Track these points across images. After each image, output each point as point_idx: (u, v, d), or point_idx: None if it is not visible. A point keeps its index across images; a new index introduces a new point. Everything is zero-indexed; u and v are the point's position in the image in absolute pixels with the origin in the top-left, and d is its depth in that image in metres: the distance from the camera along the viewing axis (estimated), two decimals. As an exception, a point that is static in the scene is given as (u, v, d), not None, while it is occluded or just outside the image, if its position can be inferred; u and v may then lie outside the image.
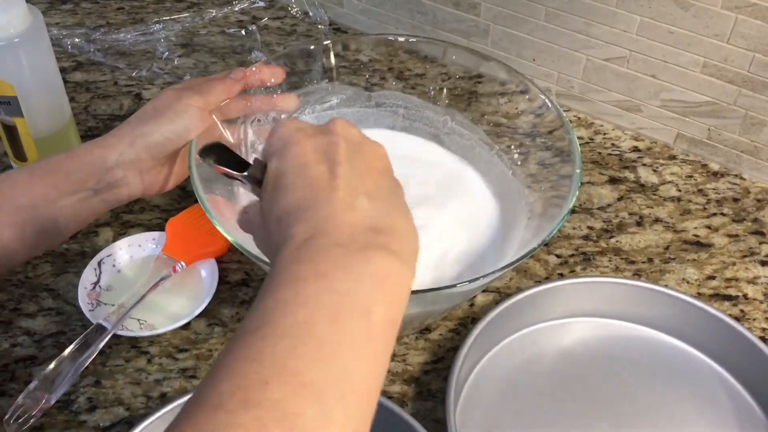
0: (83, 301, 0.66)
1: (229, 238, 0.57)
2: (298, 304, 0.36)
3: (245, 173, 0.47)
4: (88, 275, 0.69)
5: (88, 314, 0.65)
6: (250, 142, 0.69)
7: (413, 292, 0.54)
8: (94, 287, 0.69)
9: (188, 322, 0.66)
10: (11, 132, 0.70)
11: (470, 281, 0.55)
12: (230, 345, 0.36)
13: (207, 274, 0.69)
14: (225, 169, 0.48)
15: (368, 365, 0.36)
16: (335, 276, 0.37)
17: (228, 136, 0.66)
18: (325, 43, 0.73)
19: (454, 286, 0.55)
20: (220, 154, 0.49)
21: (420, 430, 0.56)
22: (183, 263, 0.68)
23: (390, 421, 0.58)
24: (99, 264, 0.70)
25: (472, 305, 0.70)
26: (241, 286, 0.71)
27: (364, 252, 0.38)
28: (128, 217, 0.76)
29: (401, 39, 0.76)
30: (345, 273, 0.37)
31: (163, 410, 0.57)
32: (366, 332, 0.36)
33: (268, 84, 0.69)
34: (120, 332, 0.64)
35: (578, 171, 0.62)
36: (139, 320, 0.67)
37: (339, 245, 0.38)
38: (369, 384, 0.36)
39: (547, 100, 0.68)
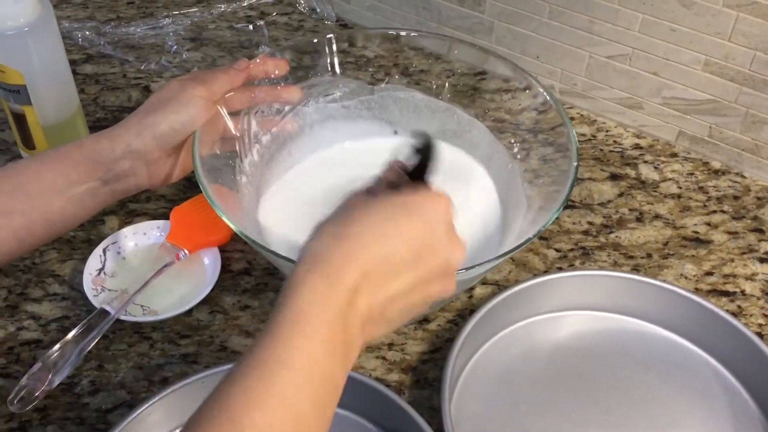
0: (88, 287, 0.68)
1: (232, 226, 0.58)
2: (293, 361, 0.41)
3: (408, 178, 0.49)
4: (93, 262, 0.70)
5: (92, 299, 0.67)
6: (253, 133, 0.70)
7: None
8: (98, 273, 0.70)
9: (190, 309, 0.68)
10: (20, 120, 0.71)
11: (466, 269, 0.56)
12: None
13: (210, 262, 0.71)
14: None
15: None
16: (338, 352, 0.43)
17: (231, 127, 0.67)
18: (328, 36, 0.74)
19: (449, 274, 0.56)
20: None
21: (416, 418, 0.57)
22: (186, 251, 0.69)
23: (388, 408, 0.59)
24: (104, 251, 0.71)
25: (470, 297, 0.71)
26: (243, 275, 0.72)
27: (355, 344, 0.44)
28: (134, 206, 0.77)
29: (403, 33, 0.76)
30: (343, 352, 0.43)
31: (164, 393, 0.58)
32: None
33: (272, 75, 0.70)
34: (123, 317, 0.65)
35: (575, 164, 0.63)
36: (142, 306, 0.68)
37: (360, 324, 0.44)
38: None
39: (546, 95, 0.69)
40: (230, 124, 0.67)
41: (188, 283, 0.69)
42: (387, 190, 0.49)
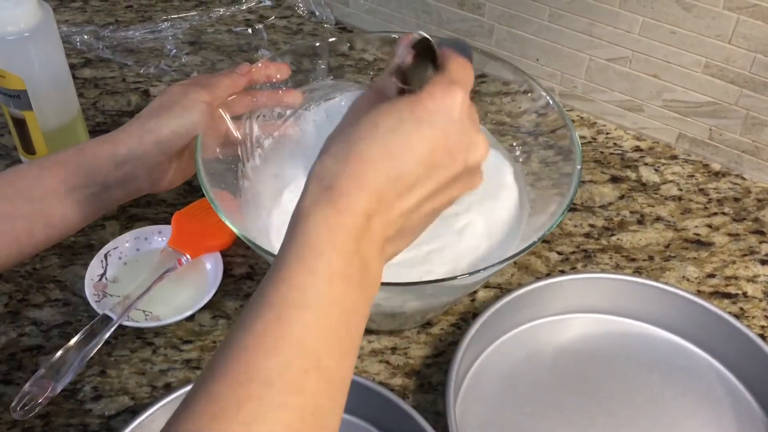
0: (90, 293, 0.67)
1: (235, 230, 0.58)
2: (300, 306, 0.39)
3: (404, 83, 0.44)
4: (94, 267, 0.70)
5: (94, 305, 0.66)
6: (255, 138, 0.70)
7: (415, 284, 0.55)
8: (100, 279, 0.70)
9: (193, 314, 0.67)
10: (21, 125, 0.71)
11: (470, 274, 0.56)
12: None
13: (212, 267, 0.70)
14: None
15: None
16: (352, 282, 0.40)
17: (234, 131, 0.67)
18: (330, 40, 0.74)
19: (454, 278, 0.56)
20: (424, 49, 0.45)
21: (421, 422, 0.57)
22: (188, 256, 0.69)
23: (392, 412, 0.59)
24: (105, 256, 0.71)
25: (473, 300, 0.71)
26: (246, 280, 0.71)
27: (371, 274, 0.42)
28: (135, 211, 0.77)
29: (406, 37, 0.76)
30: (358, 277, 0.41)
31: (167, 399, 0.58)
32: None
33: (274, 80, 0.70)
34: (125, 323, 0.65)
35: (578, 167, 0.63)
36: (144, 311, 0.67)
37: (367, 249, 0.41)
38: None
39: (549, 99, 0.69)
40: (233, 128, 0.67)
41: (190, 288, 0.69)
42: (397, 87, 0.45)
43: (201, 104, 0.62)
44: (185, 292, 0.69)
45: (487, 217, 0.66)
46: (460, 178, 0.44)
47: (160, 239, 0.72)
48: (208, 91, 0.63)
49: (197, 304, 0.67)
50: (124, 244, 0.72)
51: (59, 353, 0.61)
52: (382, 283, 0.55)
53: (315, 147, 0.73)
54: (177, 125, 0.62)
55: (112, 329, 0.63)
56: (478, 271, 0.55)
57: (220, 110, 0.65)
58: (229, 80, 0.65)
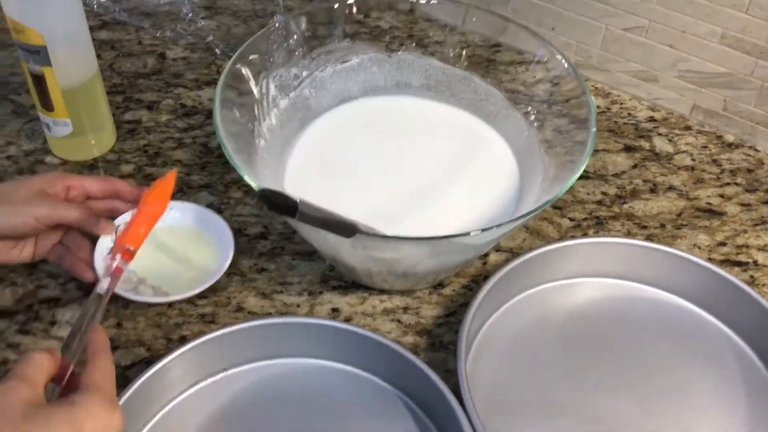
0: (98, 265, 0.66)
1: (253, 185, 0.58)
2: None
3: None
4: (104, 240, 0.68)
5: (102, 279, 0.65)
6: (271, 98, 0.71)
7: (429, 239, 0.56)
8: (109, 252, 0.69)
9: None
10: (39, 81, 0.72)
11: (482, 230, 0.56)
12: None
13: (222, 246, 0.67)
14: None
15: None
16: None
17: (253, 89, 0.68)
18: (348, 2, 0.74)
19: (467, 233, 0.56)
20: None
21: (432, 377, 0.58)
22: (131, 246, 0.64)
23: (403, 367, 0.60)
24: (116, 230, 0.69)
25: (484, 263, 0.71)
26: (259, 239, 0.72)
27: None
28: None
29: (423, 1, 0.76)
30: None
31: (182, 349, 0.59)
32: None
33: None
34: (133, 298, 0.63)
35: (594, 129, 0.63)
36: (153, 287, 0.67)
37: None
38: None
39: (565, 62, 0.69)
40: (251, 85, 0.68)
41: (199, 267, 0.67)
42: None
43: (30, 218, 0.62)
44: (192, 272, 0.66)
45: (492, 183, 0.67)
46: None
47: (173, 215, 0.70)
48: (49, 210, 0.62)
49: (204, 283, 0.64)
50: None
51: (67, 337, 0.59)
52: (396, 238, 0.56)
53: (329, 108, 0.75)
54: None
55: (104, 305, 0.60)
56: (491, 228, 0.56)
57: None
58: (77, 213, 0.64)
